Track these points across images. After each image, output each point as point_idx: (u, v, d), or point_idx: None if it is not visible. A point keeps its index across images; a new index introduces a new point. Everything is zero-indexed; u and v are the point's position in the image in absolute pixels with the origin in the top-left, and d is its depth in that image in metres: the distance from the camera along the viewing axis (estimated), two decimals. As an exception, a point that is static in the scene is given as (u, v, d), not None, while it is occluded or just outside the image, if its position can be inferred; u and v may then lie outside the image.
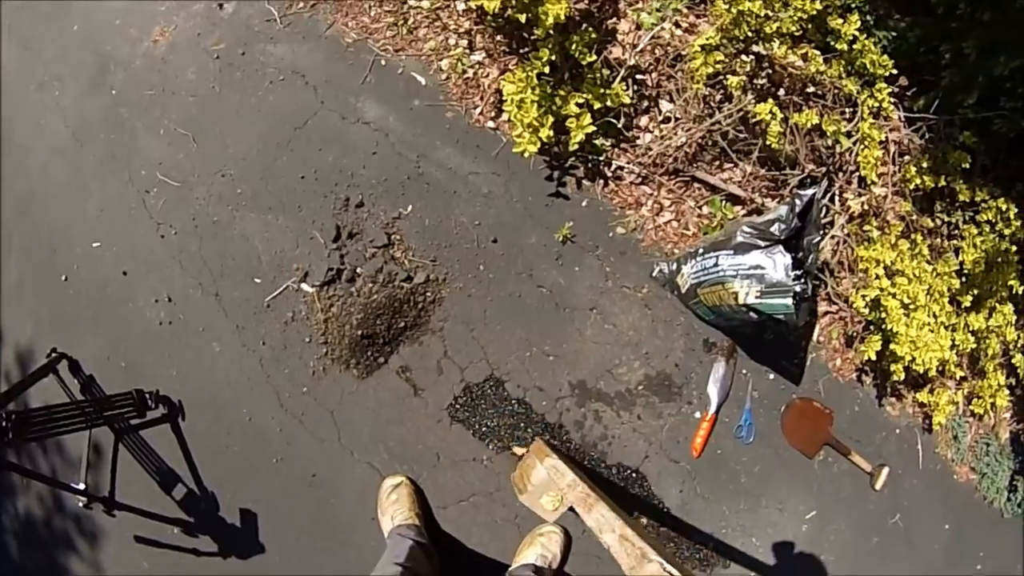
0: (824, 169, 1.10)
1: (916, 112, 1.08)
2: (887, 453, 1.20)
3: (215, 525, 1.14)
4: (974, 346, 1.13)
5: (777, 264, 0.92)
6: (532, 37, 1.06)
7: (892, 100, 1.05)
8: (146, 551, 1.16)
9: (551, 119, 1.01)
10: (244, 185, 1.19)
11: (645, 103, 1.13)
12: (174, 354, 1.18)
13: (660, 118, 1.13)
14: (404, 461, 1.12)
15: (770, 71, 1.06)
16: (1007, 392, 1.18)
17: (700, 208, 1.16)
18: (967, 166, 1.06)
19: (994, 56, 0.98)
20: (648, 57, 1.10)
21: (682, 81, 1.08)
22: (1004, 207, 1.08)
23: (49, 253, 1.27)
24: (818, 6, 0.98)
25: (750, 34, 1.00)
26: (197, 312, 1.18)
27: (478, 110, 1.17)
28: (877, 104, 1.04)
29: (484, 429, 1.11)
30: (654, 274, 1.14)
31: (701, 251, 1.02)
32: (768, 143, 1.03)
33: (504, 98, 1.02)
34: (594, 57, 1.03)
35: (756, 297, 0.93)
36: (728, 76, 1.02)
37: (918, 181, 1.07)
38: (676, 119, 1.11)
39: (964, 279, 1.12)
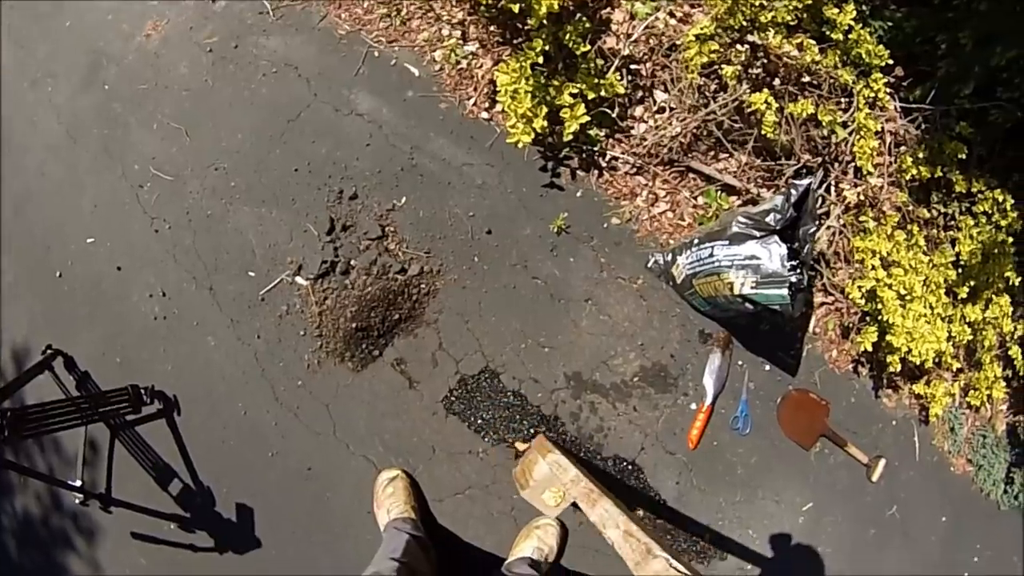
0: (820, 159, 1.10)
1: (912, 102, 1.08)
2: (883, 445, 1.20)
3: (211, 520, 1.14)
4: (970, 337, 1.13)
5: (773, 254, 0.92)
6: (526, 27, 1.05)
7: (888, 90, 1.05)
8: (143, 547, 1.16)
9: (545, 110, 1.01)
10: (237, 178, 1.19)
11: (640, 93, 1.12)
12: (169, 349, 1.18)
13: (655, 108, 1.12)
14: (400, 454, 1.11)
15: (765, 61, 1.05)
16: (1003, 384, 1.18)
17: (695, 198, 1.15)
18: (963, 157, 1.06)
19: (990, 46, 0.97)
20: (642, 47, 1.10)
21: (677, 71, 1.07)
22: (1000, 198, 1.08)
23: (43, 250, 1.27)
24: (813, -5, 0.97)
25: (745, 23, 1.00)
26: (191, 306, 1.17)
27: (472, 101, 1.16)
28: (873, 94, 1.04)
29: (479, 421, 1.11)
30: (649, 265, 1.14)
31: (696, 241, 1.01)
32: (763, 133, 1.02)
33: (498, 89, 1.01)
34: (588, 47, 1.03)
35: (752, 288, 0.93)
36: (723, 66, 1.02)
37: (914, 172, 1.07)
38: (671, 109, 1.11)
39: (960, 270, 1.11)
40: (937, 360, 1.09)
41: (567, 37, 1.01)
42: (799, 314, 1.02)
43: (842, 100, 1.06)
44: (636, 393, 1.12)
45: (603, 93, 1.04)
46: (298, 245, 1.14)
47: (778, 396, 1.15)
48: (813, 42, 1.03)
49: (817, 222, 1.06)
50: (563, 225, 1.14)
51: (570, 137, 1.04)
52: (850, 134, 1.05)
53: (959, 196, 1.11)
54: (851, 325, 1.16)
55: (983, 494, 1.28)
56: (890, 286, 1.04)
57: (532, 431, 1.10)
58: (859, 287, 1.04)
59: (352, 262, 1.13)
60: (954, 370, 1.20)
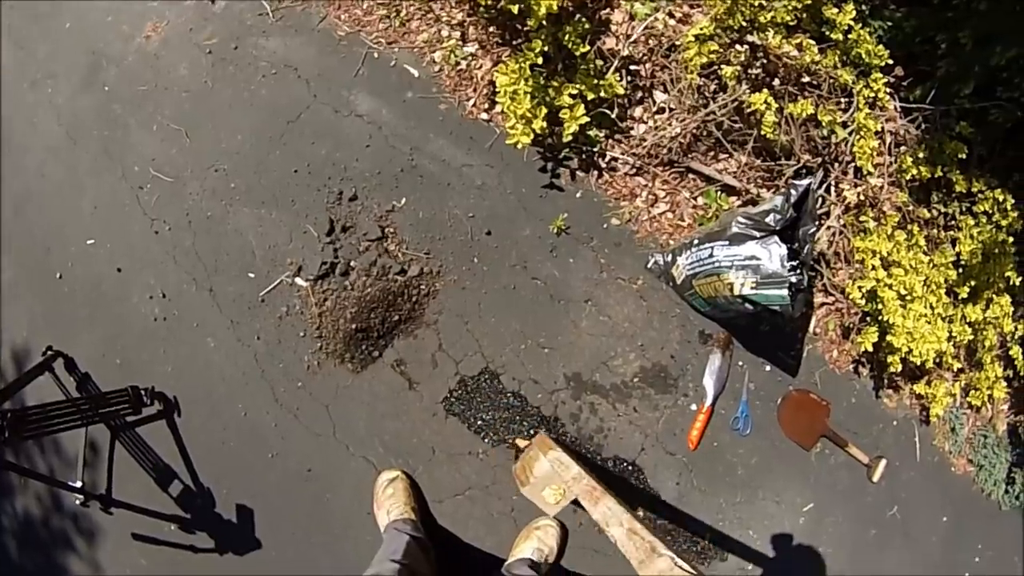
0: (820, 159, 1.10)
1: (912, 102, 1.08)
2: (884, 445, 1.20)
3: (212, 521, 1.14)
4: (971, 338, 1.12)
5: (773, 255, 0.92)
6: (525, 28, 1.05)
7: (888, 90, 1.05)
8: (144, 548, 1.16)
9: (544, 110, 1.01)
10: (237, 180, 1.19)
11: (639, 94, 1.12)
12: (169, 350, 1.18)
13: (654, 109, 1.12)
14: (399, 455, 1.11)
15: (765, 61, 1.05)
16: (1004, 384, 1.17)
17: (695, 199, 1.15)
18: (964, 156, 1.06)
19: (990, 46, 0.97)
20: (642, 47, 1.09)
21: (676, 71, 1.07)
22: (1001, 198, 1.08)
23: (43, 251, 1.27)
24: (813, -5, 0.97)
25: (744, 24, 1.00)
26: (191, 308, 1.17)
27: (471, 102, 1.16)
28: (873, 94, 1.04)
29: (479, 422, 1.11)
30: (649, 265, 1.14)
31: (696, 242, 1.01)
32: (763, 133, 1.02)
33: (497, 89, 1.01)
34: (587, 48, 1.03)
35: (752, 288, 0.93)
36: (722, 66, 1.02)
37: (914, 171, 1.07)
38: (670, 110, 1.10)
39: (961, 270, 1.11)
40: (938, 360, 1.09)
41: (566, 38, 1.01)
42: (799, 314, 1.01)
43: (842, 100, 1.06)
44: (636, 394, 1.12)
45: (602, 94, 1.04)
46: (298, 246, 1.14)
47: (778, 397, 1.15)
48: (813, 42, 1.03)
49: (817, 222, 1.06)
50: (563, 226, 1.13)
51: (569, 138, 1.04)
52: (850, 134, 1.05)
53: (959, 196, 1.11)
54: (851, 325, 1.16)
55: (984, 494, 1.27)
56: (890, 286, 1.03)
57: (532, 432, 1.10)
58: (859, 287, 1.04)
59: (352, 263, 1.13)
60: (955, 370, 1.20)
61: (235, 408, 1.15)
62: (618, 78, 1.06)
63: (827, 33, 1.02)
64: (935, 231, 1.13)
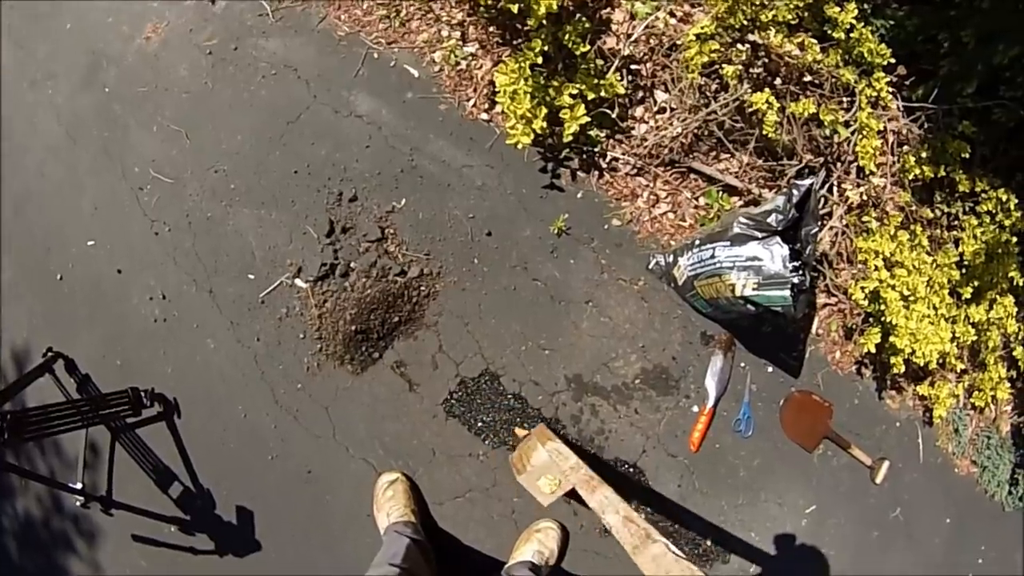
0: (822, 159, 1.09)
1: (915, 101, 1.07)
2: (887, 446, 1.19)
3: (212, 523, 1.14)
4: (975, 338, 1.12)
5: (775, 255, 0.91)
6: (525, 28, 1.05)
7: (890, 89, 1.04)
8: (144, 550, 1.15)
9: (545, 110, 1.01)
10: (237, 180, 1.19)
11: (640, 93, 1.12)
12: (169, 351, 1.17)
13: (655, 108, 1.12)
14: (399, 457, 1.11)
15: (766, 60, 1.04)
16: (1008, 385, 1.17)
17: (696, 199, 1.15)
18: (967, 156, 1.05)
19: (993, 44, 0.96)
20: (642, 47, 1.09)
21: (677, 71, 1.07)
22: (1004, 197, 1.07)
23: (44, 252, 1.27)
24: (814, -6, 0.97)
25: (745, 23, 0.99)
26: (191, 309, 1.17)
27: (471, 102, 1.16)
28: (875, 93, 1.03)
29: (480, 424, 1.10)
30: (650, 266, 1.13)
31: (698, 243, 1.01)
32: (765, 133, 1.02)
33: (497, 89, 1.01)
34: (588, 47, 1.02)
35: (753, 289, 0.92)
36: (724, 65, 1.01)
37: (917, 171, 1.06)
38: (671, 109, 1.10)
39: (964, 270, 1.11)
40: (941, 361, 1.08)
41: (566, 37, 1.00)
42: (801, 315, 1.01)
43: (844, 99, 1.05)
44: (637, 395, 1.12)
45: (603, 93, 1.04)
46: (298, 247, 1.14)
47: (781, 398, 1.15)
48: (814, 41, 1.02)
49: (819, 223, 1.05)
50: (563, 226, 1.13)
51: (570, 138, 1.04)
52: (852, 134, 1.04)
53: (962, 196, 1.10)
54: (854, 326, 1.15)
55: (987, 496, 1.27)
56: (893, 287, 1.03)
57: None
58: (862, 288, 1.03)
59: (352, 264, 1.12)
60: (958, 371, 1.19)
61: (235, 409, 1.14)
62: (619, 78, 1.06)
63: (829, 32, 1.01)
64: (938, 231, 1.13)
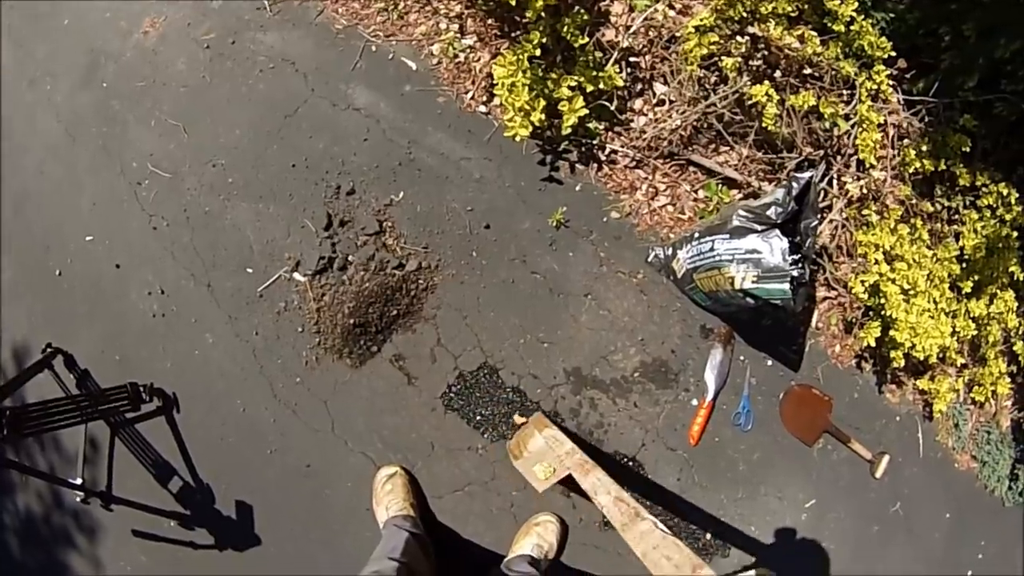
0: (822, 152, 1.09)
1: (915, 95, 1.07)
2: (887, 441, 1.19)
3: (211, 517, 1.14)
4: (975, 333, 1.12)
5: (774, 248, 0.91)
6: (523, 20, 1.04)
7: (891, 83, 1.04)
8: (144, 545, 1.15)
9: (543, 103, 1.00)
10: (235, 174, 1.18)
11: (639, 86, 1.11)
12: (168, 346, 1.17)
13: (654, 101, 1.11)
14: (398, 451, 1.11)
15: (766, 52, 1.04)
16: (1008, 380, 1.17)
17: (696, 192, 1.15)
18: (967, 150, 1.05)
19: (994, 38, 0.96)
20: (641, 39, 1.09)
21: (676, 63, 1.06)
22: (1005, 192, 1.07)
23: (43, 248, 1.27)
24: (814, -15, 0.96)
25: (745, 15, 0.99)
26: (190, 303, 1.17)
27: (469, 95, 1.16)
28: (875, 86, 1.03)
29: (478, 417, 1.10)
30: (649, 259, 1.13)
31: (697, 235, 1.00)
32: (764, 126, 1.01)
33: (495, 82, 1.01)
34: (586, 39, 1.02)
35: (753, 282, 0.92)
36: (723, 58, 1.01)
37: (917, 165, 1.06)
38: (671, 102, 1.10)
39: (964, 265, 1.10)
40: (941, 355, 1.08)
41: (565, 29, 1.00)
42: (801, 309, 1.01)
43: (844, 92, 1.05)
44: (637, 389, 1.11)
45: (602, 86, 1.03)
46: (296, 241, 1.14)
47: (780, 392, 1.14)
48: (814, 34, 1.02)
49: (819, 216, 1.05)
50: (562, 219, 1.13)
51: (569, 130, 1.03)
52: (852, 127, 1.04)
53: (963, 190, 1.10)
54: (854, 320, 1.15)
55: (987, 490, 1.27)
56: (893, 280, 1.03)
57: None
58: (862, 281, 1.03)
59: (350, 258, 1.12)
60: (958, 366, 1.19)
61: (234, 404, 1.14)
62: (617, 70, 1.05)
63: (829, 24, 1.01)
64: (938, 225, 1.12)
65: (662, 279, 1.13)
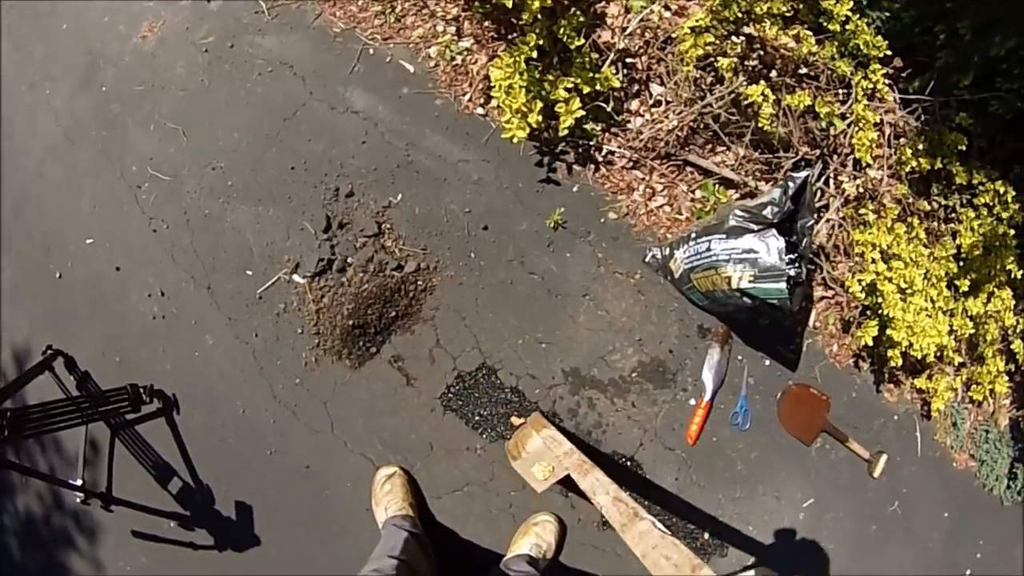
0: (818, 152, 1.09)
1: (911, 94, 1.07)
2: (885, 440, 1.19)
3: (211, 518, 1.14)
4: (972, 332, 1.12)
5: (771, 248, 0.91)
6: (520, 22, 1.05)
7: (887, 81, 1.04)
8: (144, 546, 1.16)
9: (540, 104, 1.01)
10: (234, 177, 1.19)
11: (635, 87, 1.12)
12: (168, 348, 1.18)
13: (651, 102, 1.12)
14: (397, 451, 1.11)
15: (761, 52, 1.04)
16: (1006, 378, 1.17)
17: (693, 192, 1.15)
18: (963, 148, 1.05)
19: (989, 36, 0.96)
20: (638, 40, 1.09)
21: (672, 64, 1.07)
22: (1002, 190, 1.07)
23: (43, 251, 1.27)
24: (809, -15, 0.97)
25: (740, 15, 0.99)
26: (190, 305, 1.18)
27: (467, 97, 1.16)
28: (871, 85, 1.03)
29: (477, 418, 1.11)
30: (647, 259, 1.13)
31: (694, 236, 1.01)
32: (761, 126, 1.02)
33: (492, 84, 1.01)
34: (582, 41, 1.02)
35: (749, 282, 0.92)
36: (719, 58, 1.01)
37: (914, 163, 1.06)
38: (667, 102, 1.10)
39: (962, 263, 1.10)
40: (939, 354, 1.08)
41: (561, 31, 1.00)
42: (798, 308, 1.01)
43: (840, 92, 1.05)
44: (634, 389, 1.12)
45: (598, 87, 1.04)
46: (295, 243, 1.15)
47: (778, 391, 1.15)
48: (810, 33, 1.02)
49: (816, 215, 1.05)
50: (560, 220, 1.13)
51: (565, 132, 1.04)
52: (849, 126, 1.04)
53: (960, 188, 1.10)
54: (851, 319, 1.15)
55: (986, 490, 1.27)
56: (890, 279, 1.03)
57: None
58: (859, 281, 1.03)
59: (349, 259, 1.13)
60: (956, 364, 1.19)
61: (233, 405, 1.15)
62: (614, 71, 1.06)
63: (824, 24, 1.01)
64: (935, 224, 1.13)
65: (659, 279, 1.14)
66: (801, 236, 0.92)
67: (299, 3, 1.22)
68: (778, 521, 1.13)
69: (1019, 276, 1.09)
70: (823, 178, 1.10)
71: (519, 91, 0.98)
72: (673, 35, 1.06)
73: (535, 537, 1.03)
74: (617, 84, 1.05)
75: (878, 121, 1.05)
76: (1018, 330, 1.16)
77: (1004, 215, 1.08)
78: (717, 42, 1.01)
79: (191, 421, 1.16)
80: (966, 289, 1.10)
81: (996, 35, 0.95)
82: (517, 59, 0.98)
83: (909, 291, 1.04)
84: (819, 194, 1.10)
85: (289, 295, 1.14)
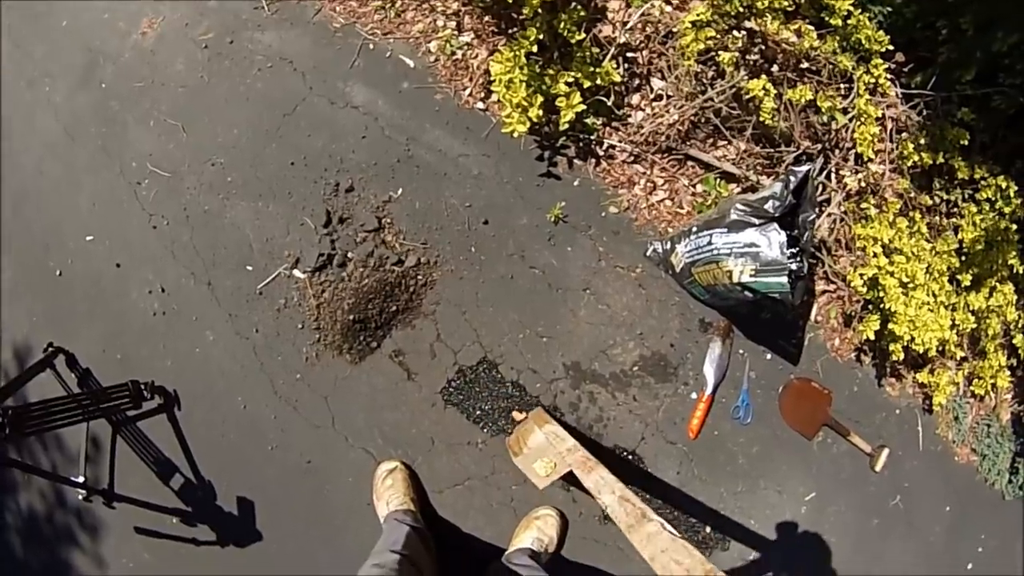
0: (820, 146, 1.09)
1: (913, 88, 1.07)
2: (887, 434, 1.19)
3: (213, 514, 1.14)
4: (974, 326, 1.11)
5: (772, 242, 0.91)
6: (520, 16, 1.04)
7: (888, 76, 1.04)
8: (147, 542, 1.16)
9: (540, 99, 1.00)
10: (234, 173, 1.19)
11: (636, 81, 1.11)
12: (168, 344, 1.18)
13: (652, 96, 1.11)
14: (399, 446, 1.11)
15: (763, 47, 1.04)
16: (1008, 373, 1.16)
17: (694, 186, 1.15)
18: (965, 143, 1.04)
19: (992, 31, 0.96)
20: (638, 35, 1.09)
21: (673, 58, 1.07)
22: (1004, 185, 1.07)
23: (43, 249, 1.27)
24: (811, -21, 0.96)
25: (742, 9, 0.99)
26: (190, 302, 1.18)
27: (467, 91, 1.16)
28: (873, 80, 1.03)
29: (478, 412, 1.11)
30: (648, 253, 1.13)
31: (695, 229, 1.00)
32: (762, 120, 1.01)
33: (493, 78, 1.01)
34: (583, 35, 1.02)
35: (751, 276, 0.92)
36: (720, 52, 1.01)
37: (916, 158, 1.06)
38: (668, 97, 1.10)
39: (963, 258, 1.10)
40: (940, 349, 1.08)
41: (562, 26, 1.00)
42: (799, 302, 1.01)
43: (842, 86, 1.05)
44: (636, 383, 1.12)
45: (599, 81, 1.03)
46: (295, 238, 1.14)
47: (780, 385, 1.14)
48: (811, 28, 1.02)
49: (817, 209, 1.05)
50: (560, 214, 1.13)
51: (566, 126, 1.04)
52: (850, 120, 1.04)
53: (962, 183, 1.10)
54: (853, 313, 1.15)
55: (987, 484, 1.27)
56: (892, 274, 1.03)
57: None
58: (861, 275, 1.03)
59: (349, 254, 1.12)
60: (958, 359, 1.19)
61: (234, 401, 1.15)
62: (615, 65, 1.05)
63: (826, 18, 1.01)
64: (937, 218, 1.12)
65: (660, 273, 1.13)
66: (803, 230, 0.92)
67: (299, -1, 1.22)
68: (780, 515, 1.13)
69: (1021, 271, 1.09)
70: (825, 172, 1.10)
71: (519, 85, 0.98)
72: (674, 29, 1.06)
73: (537, 531, 1.03)
74: (618, 78, 1.04)
75: (880, 116, 1.04)
76: (1020, 325, 1.16)
77: (1006, 210, 1.07)
78: (718, 36, 1.00)
79: (192, 417, 1.16)
80: (968, 284, 1.10)
81: (998, 31, 0.95)
82: (517, 53, 0.98)
83: (911, 285, 1.04)
84: (821, 188, 1.10)
85: (289, 290, 1.14)
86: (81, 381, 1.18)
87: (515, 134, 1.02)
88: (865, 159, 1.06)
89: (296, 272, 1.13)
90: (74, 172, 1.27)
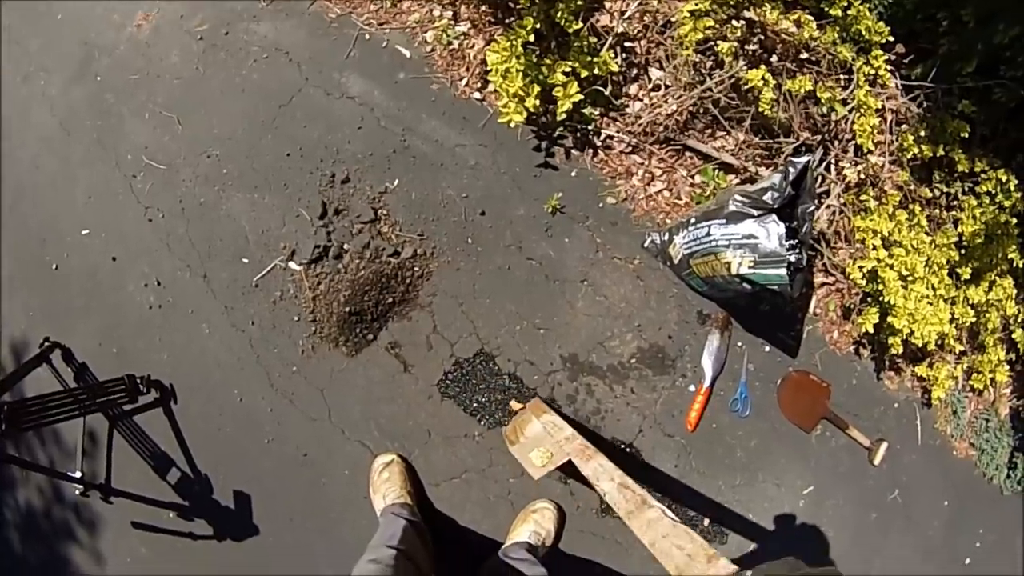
0: (819, 137, 1.08)
1: (914, 80, 1.06)
2: (886, 428, 1.18)
3: (210, 508, 1.14)
4: (973, 320, 1.11)
5: (771, 233, 0.90)
6: (517, 6, 1.04)
7: (889, 68, 1.03)
8: (144, 536, 1.16)
9: (537, 89, 1.00)
10: (230, 165, 1.18)
11: (634, 71, 1.11)
12: (164, 338, 1.17)
13: (650, 86, 1.11)
14: (395, 438, 1.11)
15: (762, 37, 1.03)
16: (1007, 367, 1.16)
17: (692, 177, 1.14)
18: (966, 136, 1.04)
19: (993, 24, 0.95)
20: (636, 24, 1.08)
21: (672, 48, 1.06)
22: (1004, 178, 1.06)
23: (39, 243, 1.27)
24: (810, -32, 0.95)
25: (741, -2, 0.98)
26: (186, 294, 1.17)
27: (464, 81, 1.15)
28: (873, 72, 1.02)
29: (475, 405, 1.10)
30: (646, 245, 1.13)
31: (693, 221, 1.00)
32: (761, 110, 1.01)
33: (489, 68, 1.00)
34: (580, 25, 1.01)
35: (749, 267, 0.91)
36: (719, 42, 1.00)
37: (916, 150, 1.05)
38: (666, 87, 1.09)
39: (963, 251, 1.10)
40: (939, 342, 1.07)
41: (559, 15, 0.99)
42: (798, 294, 1.00)
43: (841, 77, 1.04)
44: (634, 375, 1.11)
45: (597, 71, 1.02)
46: (291, 230, 1.14)
47: (778, 378, 1.14)
48: (811, 18, 1.01)
49: (816, 201, 1.04)
50: (558, 205, 1.12)
51: (563, 116, 1.03)
52: (850, 111, 1.03)
53: (962, 176, 1.09)
54: (852, 306, 1.15)
55: (986, 479, 1.26)
56: (891, 266, 1.02)
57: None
58: (860, 267, 1.02)
59: (345, 246, 1.12)
60: (957, 353, 1.19)
61: (231, 394, 1.14)
62: (612, 55, 1.05)
63: (826, 9, 1.00)
64: (937, 211, 1.12)
65: (659, 265, 1.13)
66: (802, 222, 0.92)
67: (294, -11, 1.21)
68: (778, 508, 1.13)
69: (1021, 265, 1.08)
70: (824, 164, 1.09)
71: (516, 75, 0.97)
72: (672, 19, 1.05)
73: (534, 524, 1.02)
74: (616, 68, 1.04)
75: (880, 107, 1.04)
76: (1019, 319, 1.15)
77: (1006, 203, 1.07)
78: (717, 26, 1.00)
79: (188, 411, 1.16)
80: (967, 277, 1.09)
81: (999, 23, 0.94)
82: (514, 43, 0.97)
83: (910, 278, 1.03)
84: (820, 180, 1.09)
85: (285, 282, 1.14)
86: (77, 376, 1.17)
87: (512, 124, 1.02)
88: (865, 151, 1.05)
89: (292, 264, 1.13)
90: (70, 166, 1.27)
